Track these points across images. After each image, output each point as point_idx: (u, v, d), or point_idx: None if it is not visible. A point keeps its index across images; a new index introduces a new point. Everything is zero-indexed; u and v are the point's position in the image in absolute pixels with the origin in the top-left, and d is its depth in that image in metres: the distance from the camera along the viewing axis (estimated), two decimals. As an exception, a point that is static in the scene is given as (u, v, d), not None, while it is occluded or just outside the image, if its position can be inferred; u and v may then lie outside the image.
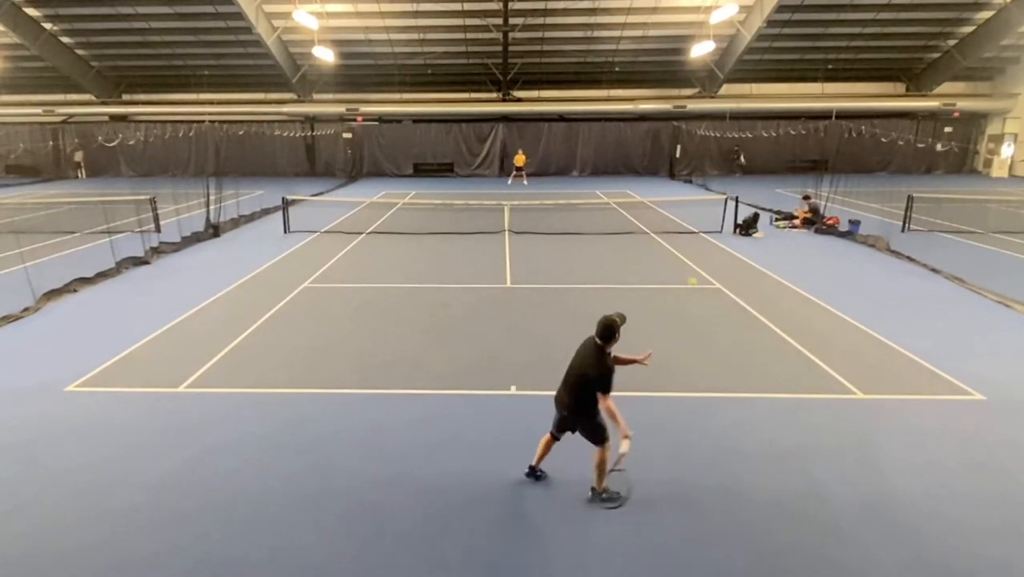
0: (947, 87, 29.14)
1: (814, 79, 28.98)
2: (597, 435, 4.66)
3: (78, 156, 31.25)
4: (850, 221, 15.14)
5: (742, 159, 29.86)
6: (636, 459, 5.32)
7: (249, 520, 4.60)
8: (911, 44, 27.31)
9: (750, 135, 29.87)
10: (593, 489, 4.79)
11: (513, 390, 6.65)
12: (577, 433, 4.79)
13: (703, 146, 30.08)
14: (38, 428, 5.90)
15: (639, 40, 26.60)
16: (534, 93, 30.14)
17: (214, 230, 15.47)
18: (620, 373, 7.08)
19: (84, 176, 31.20)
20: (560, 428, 4.85)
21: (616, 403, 4.39)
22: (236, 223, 16.91)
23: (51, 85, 29.99)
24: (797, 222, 16.37)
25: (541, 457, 4.99)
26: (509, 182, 27.71)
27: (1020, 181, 27.24)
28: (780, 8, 22.93)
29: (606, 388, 4.40)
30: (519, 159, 28.21)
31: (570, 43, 27.12)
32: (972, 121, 30.40)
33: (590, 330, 4.62)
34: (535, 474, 5.04)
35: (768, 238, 14.95)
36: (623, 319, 4.52)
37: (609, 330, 4.43)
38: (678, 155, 30.65)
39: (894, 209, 16.84)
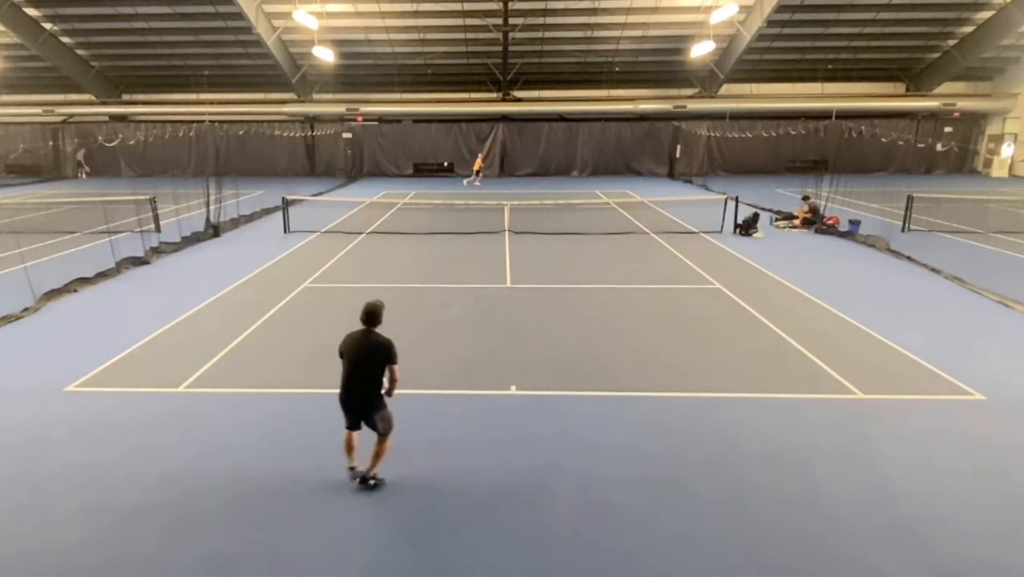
0: (947, 87, 29.14)
1: (814, 79, 28.98)
2: (384, 427, 4.85)
3: (80, 156, 31.24)
4: (850, 221, 15.14)
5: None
6: (637, 459, 5.33)
7: (249, 520, 4.60)
8: (911, 44, 27.32)
9: (750, 135, 29.88)
10: (363, 475, 4.91)
11: (513, 390, 6.65)
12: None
13: (703, 146, 30.11)
14: (38, 428, 5.90)
15: (639, 40, 26.60)
16: (534, 93, 30.15)
17: (214, 230, 15.47)
18: (623, 373, 7.06)
19: (86, 176, 31.17)
20: (355, 424, 4.95)
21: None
22: (236, 223, 16.91)
23: (51, 85, 30.01)
24: (797, 222, 16.37)
25: (352, 455, 5.01)
26: (465, 183, 27.03)
27: (1020, 181, 27.24)
28: (780, 8, 22.93)
29: (395, 357, 4.75)
30: (478, 163, 27.71)
31: (570, 43, 27.13)
32: (972, 121, 30.41)
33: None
34: (366, 481, 4.94)
35: (768, 238, 14.95)
36: (382, 304, 4.90)
37: (374, 315, 4.82)
38: (678, 155, 30.66)
39: (894, 209, 16.84)
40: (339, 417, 6.22)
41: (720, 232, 15.42)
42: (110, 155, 31.62)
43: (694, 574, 4.05)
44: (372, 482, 4.91)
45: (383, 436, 4.88)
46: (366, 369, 4.76)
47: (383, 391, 4.83)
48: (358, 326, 4.92)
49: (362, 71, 29.29)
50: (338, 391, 4.86)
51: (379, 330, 4.87)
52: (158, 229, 15.25)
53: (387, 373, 4.79)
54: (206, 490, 4.94)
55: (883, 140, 29.60)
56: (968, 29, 25.86)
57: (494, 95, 30.05)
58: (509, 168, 31.19)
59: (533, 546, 4.31)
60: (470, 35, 26.11)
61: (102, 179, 30.71)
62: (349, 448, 5.01)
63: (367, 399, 4.80)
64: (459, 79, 29.70)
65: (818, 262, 12.55)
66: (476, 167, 27.59)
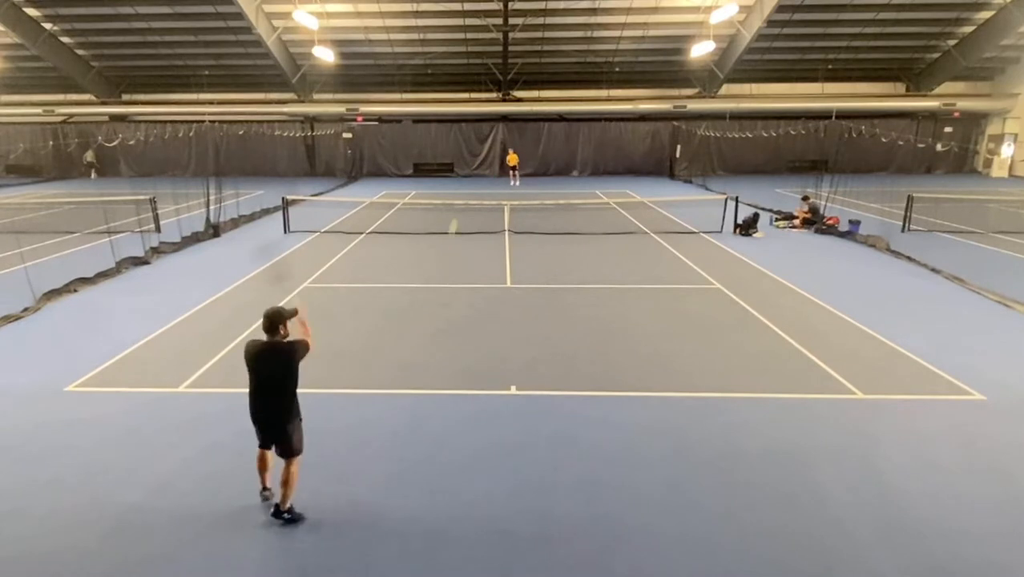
0: (947, 87, 29.12)
1: (814, 79, 28.97)
2: (292, 446, 4.48)
3: (89, 156, 31.24)
4: (850, 221, 15.14)
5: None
6: (637, 459, 5.33)
7: (249, 520, 4.59)
8: (911, 44, 27.30)
9: (750, 135, 29.87)
10: (277, 507, 4.51)
11: (513, 390, 6.65)
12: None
13: (703, 146, 30.09)
14: (38, 428, 5.90)
15: (639, 40, 26.58)
16: (534, 93, 30.13)
17: (214, 230, 15.46)
18: (623, 373, 7.05)
19: (95, 176, 31.12)
20: (266, 442, 4.63)
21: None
22: (236, 223, 16.91)
23: (51, 85, 29.99)
24: (797, 222, 16.36)
25: (265, 476, 4.76)
26: (511, 184, 27.42)
27: (1020, 181, 27.23)
28: (780, 8, 22.91)
29: (301, 352, 4.43)
30: (512, 158, 28.03)
31: (570, 43, 27.11)
32: (972, 121, 30.39)
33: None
34: (264, 495, 4.75)
35: (768, 238, 14.95)
36: (288, 312, 4.50)
37: (273, 322, 4.40)
38: (678, 155, 30.65)
39: (894, 209, 16.84)
40: (342, 416, 6.24)
41: (720, 232, 15.42)
42: (110, 155, 31.62)
43: (694, 574, 4.05)
44: (287, 516, 4.49)
45: (290, 458, 4.49)
46: (272, 380, 4.43)
47: (297, 397, 4.52)
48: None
49: (362, 71, 29.27)
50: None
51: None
52: (158, 229, 15.25)
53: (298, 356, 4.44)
54: (206, 490, 4.94)
55: (883, 140, 29.57)
56: (968, 29, 25.84)
57: (494, 95, 30.03)
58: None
59: (533, 546, 4.31)
60: (470, 35, 26.11)
61: (103, 179, 30.67)
62: (262, 467, 4.73)
63: (277, 412, 4.46)
64: (459, 79, 29.69)
65: (818, 262, 12.55)
66: (512, 162, 27.72)
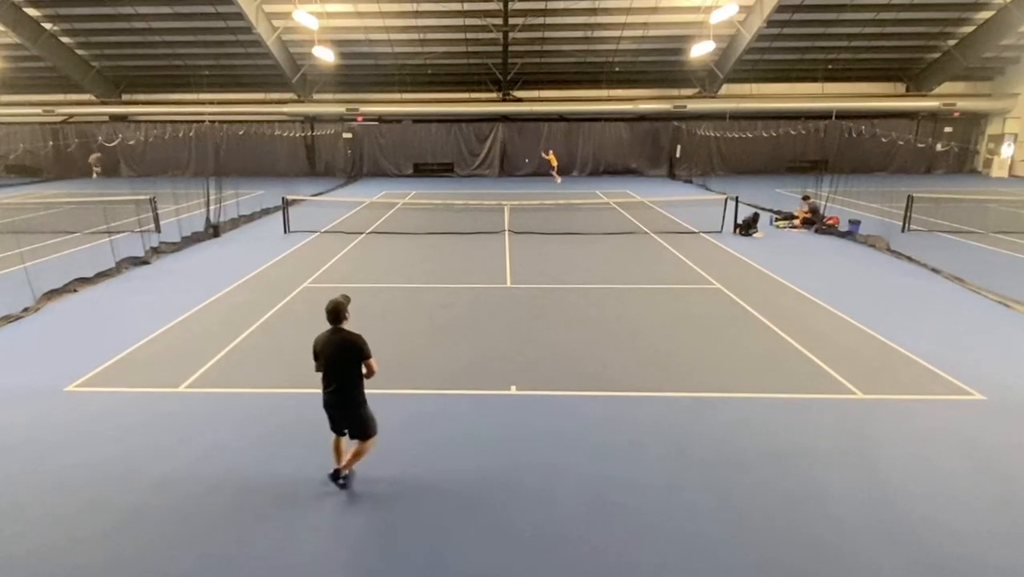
0: (947, 87, 29.13)
1: (814, 79, 28.99)
2: (367, 430, 4.85)
3: (93, 157, 31.25)
4: (850, 221, 15.14)
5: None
6: (637, 459, 5.33)
7: (249, 520, 4.60)
8: (911, 44, 27.30)
9: (750, 135, 29.87)
10: (337, 471, 4.89)
11: (513, 390, 6.65)
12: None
13: (703, 146, 30.10)
14: (38, 428, 5.90)
15: (639, 40, 26.58)
16: (534, 93, 30.14)
17: (214, 230, 15.47)
18: (623, 373, 7.06)
19: (96, 176, 31.11)
20: (339, 428, 4.91)
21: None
22: (236, 223, 16.91)
23: (51, 85, 29.99)
24: (797, 222, 16.37)
25: (339, 458, 4.97)
26: (557, 181, 27.71)
27: (1020, 181, 27.23)
28: (780, 8, 22.92)
29: (368, 352, 4.70)
30: (552, 159, 28.13)
31: (570, 43, 27.11)
32: (972, 121, 30.39)
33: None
34: (337, 479, 4.93)
35: (768, 238, 14.95)
36: (347, 299, 4.82)
37: (336, 312, 4.72)
38: (678, 155, 30.65)
39: (894, 209, 16.84)
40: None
41: (720, 232, 15.42)
42: (110, 155, 31.61)
43: (694, 573, 4.05)
44: (342, 481, 4.88)
45: (365, 440, 4.87)
46: (340, 368, 4.69)
47: (364, 383, 4.79)
48: (357, 326, 4.91)
49: (362, 71, 29.28)
50: (308, 391, 4.79)
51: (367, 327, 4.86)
52: (158, 229, 15.25)
53: (364, 368, 4.75)
54: (206, 490, 4.94)
55: (883, 140, 29.59)
56: (968, 29, 25.84)
57: (494, 95, 30.04)
58: (509, 168, 31.20)
59: (533, 547, 4.31)
60: (470, 35, 26.11)
61: (104, 179, 30.66)
62: (337, 452, 4.98)
63: (347, 398, 4.75)
64: (459, 79, 29.69)
65: (818, 262, 12.55)
66: (553, 162, 27.93)
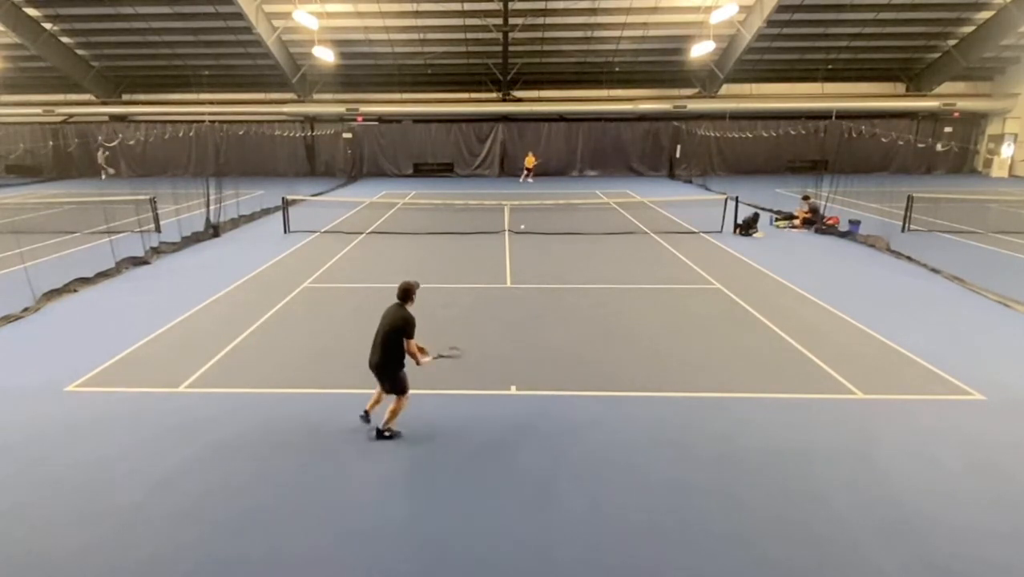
0: (947, 87, 29.12)
1: (814, 79, 28.98)
2: (399, 387, 5.52)
3: (101, 157, 31.24)
4: (850, 221, 15.14)
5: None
6: (637, 458, 5.32)
7: (250, 519, 4.60)
8: (911, 44, 27.31)
9: (750, 135, 29.87)
10: (378, 429, 5.62)
11: (513, 390, 6.65)
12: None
13: (703, 146, 30.10)
14: (38, 428, 5.90)
15: (639, 40, 26.58)
16: (534, 93, 30.14)
17: (214, 230, 15.46)
18: (623, 372, 7.07)
19: (106, 176, 31.07)
20: (379, 382, 5.64)
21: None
22: (236, 223, 16.90)
23: (51, 85, 29.99)
24: (797, 222, 16.37)
25: (374, 404, 5.82)
26: (520, 180, 28.41)
27: (1020, 181, 27.23)
28: (780, 8, 22.92)
29: (411, 333, 5.37)
30: (529, 160, 28.67)
31: (570, 43, 27.12)
32: (972, 121, 30.39)
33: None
34: (367, 418, 5.82)
35: (768, 238, 14.95)
36: (417, 284, 5.56)
37: (406, 292, 5.48)
38: (678, 155, 30.65)
39: (894, 209, 16.84)
40: (341, 416, 6.28)
41: (720, 232, 15.42)
42: (110, 155, 31.59)
43: (694, 572, 4.05)
44: (388, 434, 5.58)
45: (399, 395, 5.51)
46: (384, 335, 5.34)
47: (404, 358, 5.42)
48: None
49: (362, 71, 29.28)
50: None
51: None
52: (158, 229, 15.25)
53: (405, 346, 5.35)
54: (206, 491, 4.94)
55: (883, 140, 29.57)
56: (968, 29, 25.84)
57: (494, 95, 30.04)
58: (509, 168, 31.17)
59: (533, 547, 4.31)
60: (470, 35, 26.11)
61: (114, 180, 30.63)
62: (376, 399, 5.77)
63: (382, 361, 5.39)
64: (459, 79, 29.69)
65: (818, 262, 12.55)
66: (530, 163, 28.54)
